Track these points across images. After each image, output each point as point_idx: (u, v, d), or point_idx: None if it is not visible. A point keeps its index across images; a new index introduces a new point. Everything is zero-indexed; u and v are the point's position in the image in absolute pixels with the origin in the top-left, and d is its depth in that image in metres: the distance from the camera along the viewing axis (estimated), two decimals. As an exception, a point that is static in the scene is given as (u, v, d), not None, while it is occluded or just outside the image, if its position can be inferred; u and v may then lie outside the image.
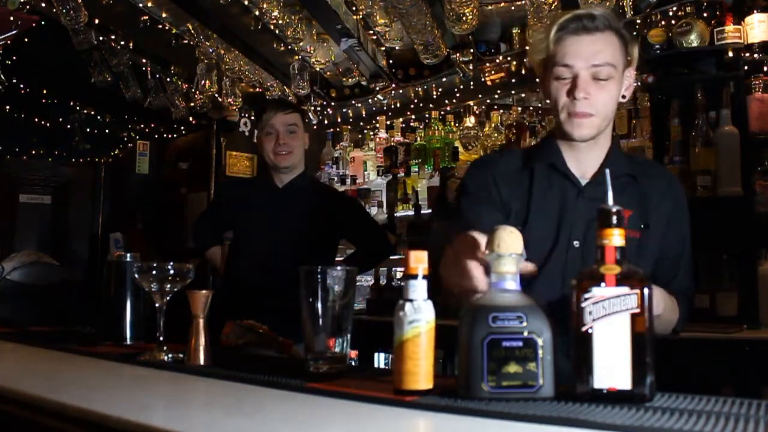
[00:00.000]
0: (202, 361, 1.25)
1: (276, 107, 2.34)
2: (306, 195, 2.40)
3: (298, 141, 2.33)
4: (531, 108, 3.73)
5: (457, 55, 3.60)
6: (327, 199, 2.53)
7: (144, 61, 4.11)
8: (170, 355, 1.33)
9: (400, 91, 4.01)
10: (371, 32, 3.46)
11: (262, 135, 2.32)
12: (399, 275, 3.51)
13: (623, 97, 1.38)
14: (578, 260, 1.32)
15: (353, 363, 2.54)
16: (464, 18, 2.85)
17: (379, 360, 3.29)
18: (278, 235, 2.29)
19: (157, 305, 1.37)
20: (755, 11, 2.71)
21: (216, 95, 4.04)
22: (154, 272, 1.34)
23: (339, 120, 4.45)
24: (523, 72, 3.55)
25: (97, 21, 3.46)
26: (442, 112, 3.93)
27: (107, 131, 5.56)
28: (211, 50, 3.66)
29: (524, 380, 0.89)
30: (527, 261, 0.99)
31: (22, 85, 4.62)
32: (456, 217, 1.43)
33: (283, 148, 2.29)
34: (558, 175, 1.40)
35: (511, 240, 0.92)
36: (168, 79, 4.24)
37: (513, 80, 3.62)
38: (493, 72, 3.66)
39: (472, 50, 3.60)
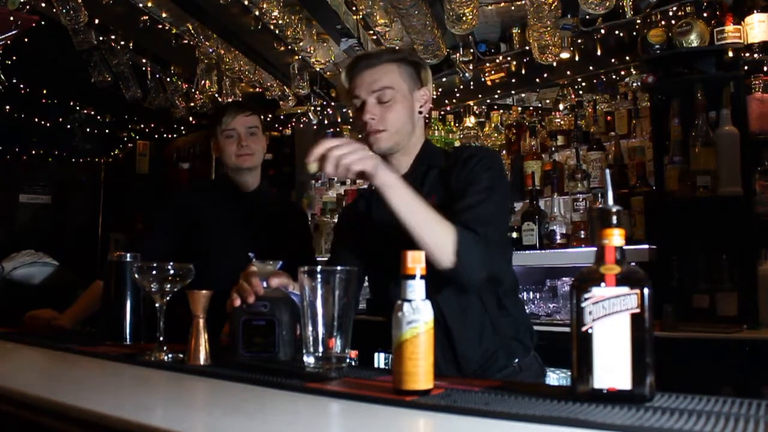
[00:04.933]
0: (202, 361, 1.25)
1: (235, 109, 2.24)
2: (272, 200, 2.36)
3: (259, 144, 2.25)
4: (531, 108, 3.73)
5: (457, 55, 3.60)
6: (288, 207, 2.53)
7: (144, 61, 4.11)
8: (170, 355, 1.33)
9: (400, 91, 4.01)
10: (371, 32, 3.46)
11: (222, 138, 2.21)
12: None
13: (420, 112, 1.61)
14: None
15: (353, 363, 2.53)
16: (464, 18, 2.85)
17: (379, 360, 3.28)
18: (255, 241, 2.12)
19: (157, 305, 1.37)
20: (755, 11, 2.71)
21: (216, 95, 4.04)
22: (154, 272, 1.34)
23: (339, 120, 4.45)
24: (523, 72, 3.56)
25: (97, 21, 3.46)
26: (442, 112, 3.93)
27: (107, 131, 5.56)
28: (211, 50, 3.66)
29: (267, 348, 1.28)
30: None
31: (22, 85, 4.63)
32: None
33: (245, 150, 2.19)
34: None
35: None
36: (168, 79, 4.24)
37: (513, 80, 3.62)
38: (493, 72, 3.66)
39: (472, 50, 3.60)
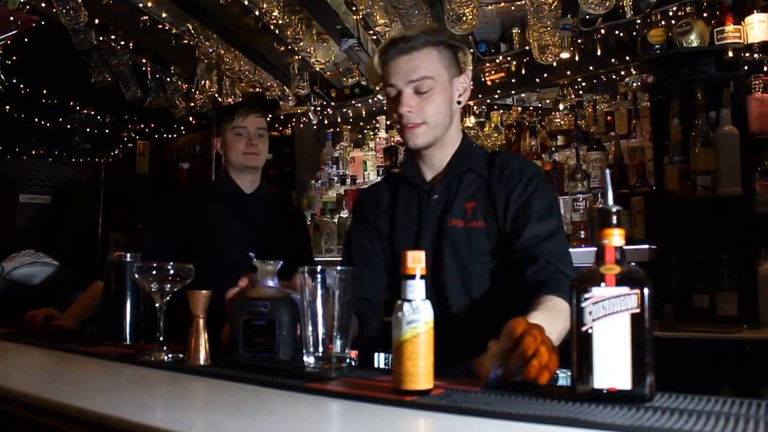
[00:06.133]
0: (202, 361, 1.25)
1: (248, 109, 2.29)
2: (272, 202, 2.39)
3: (265, 146, 2.30)
4: (531, 108, 3.73)
5: (457, 55, 3.59)
6: (287, 208, 2.56)
7: (144, 61, 4.11)
8: (170, 355, 1.33)
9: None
10: (371, 32, 3.46)
11: (230, 134, 2.26)
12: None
13: (459, 102, 1.50)
14: (429, 259, 1.34)
15: (353, 363, 2.53)
16: (464, 18, 2.85)
17: (379, 360, 3.28)
18: (254, 241, 2.14)
19: (157, 305, 1.37)
20: (755, 11, 2.71)
21: (216, 95, 4.04)
22: (154, 272, 1.34)
23: (339, 120, 4.45)
24: (523, 72, 3.56)
25: (97, 21, 3.46)
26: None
27: (107, 131, 5.56)
28: (211, 50, 3.65)
29: (267, 348, 1.26)
30: None
31: (22, 85, 4.62)
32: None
33: (252, 149, 2.25)
34: (411, 185, 1.56)
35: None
36: (168, 79, 4.24)
37: (513, 80, 3.62)
38: (493, 72, 3.66)
39: (472, 50, 3.60)
